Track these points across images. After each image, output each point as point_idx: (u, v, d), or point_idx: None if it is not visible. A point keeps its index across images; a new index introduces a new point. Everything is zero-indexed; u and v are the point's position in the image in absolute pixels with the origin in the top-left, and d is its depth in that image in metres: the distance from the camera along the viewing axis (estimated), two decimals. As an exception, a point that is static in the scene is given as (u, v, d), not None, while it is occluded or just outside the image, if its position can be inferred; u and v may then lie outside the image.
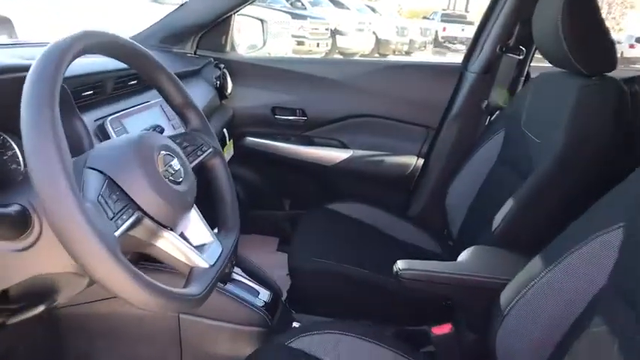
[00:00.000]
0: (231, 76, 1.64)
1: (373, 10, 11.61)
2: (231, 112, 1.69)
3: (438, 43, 13.85)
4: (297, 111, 1.73)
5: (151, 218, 0.61)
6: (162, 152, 0.65)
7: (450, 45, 14.16)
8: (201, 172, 0.85)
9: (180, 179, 0.66)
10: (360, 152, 1.71)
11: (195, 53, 1.66)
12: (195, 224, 0.72)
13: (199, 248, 0.70)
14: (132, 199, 0.58)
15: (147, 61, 0.74)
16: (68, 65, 0.55)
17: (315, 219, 1.49)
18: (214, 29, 1.63)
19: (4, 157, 0.76)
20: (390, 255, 1.34)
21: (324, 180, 1.83)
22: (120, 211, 0.56)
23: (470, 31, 14.11)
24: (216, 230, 0.88)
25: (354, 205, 1.53)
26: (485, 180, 1.33)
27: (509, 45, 1.54)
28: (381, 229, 1.48)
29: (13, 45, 1.08)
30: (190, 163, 0.76)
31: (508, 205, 1.08)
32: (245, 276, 1.14)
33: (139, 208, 0.59)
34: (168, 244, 0.64)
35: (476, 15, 15.56)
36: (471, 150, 1.40)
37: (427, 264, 0.98)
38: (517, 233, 1.07)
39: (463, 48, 14.12)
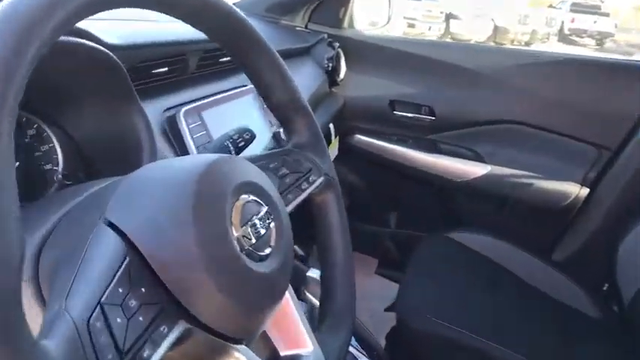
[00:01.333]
0: (345, 58, 1.41)
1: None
2: (341, 103, 1.44)
3: (563, 36, 12.48)
4: (423, 108, 1.42)
5: (210, 330, 0.31)
6: (243, 198, 0.35)
7: (576, 38, 12.67)
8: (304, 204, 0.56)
9: (269, 250, 0.35)
10: (500, 169, 1.36)
11: (306, 27, 1.45)
12: (285, 320, 0.42)
13: (290, 367, 0.40)
14: (174, 298, 0.29)
15: (243, 30, 0.44)
16: (57, 35, 0.27)
17: (434, 252, 1.19)
18: None
19: (37, 154, 0.55)
20: (540, 325, 1.00)
21: (446, 198, 1.53)
22: (145, 332, 0.27)
23: (603, 24, 12.52)
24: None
25: (484, 237, 1.22)
26: None
27: None
28: (519, 275, 1.15)
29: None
30: (289, 202, 0.46)
31: None
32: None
33: (187, 315, 0.30)
34: (237, 367, 0.35)
35: (612, 6, 13.79)
36: None
37: None
38: None
39: (592, 42, 12.58)
